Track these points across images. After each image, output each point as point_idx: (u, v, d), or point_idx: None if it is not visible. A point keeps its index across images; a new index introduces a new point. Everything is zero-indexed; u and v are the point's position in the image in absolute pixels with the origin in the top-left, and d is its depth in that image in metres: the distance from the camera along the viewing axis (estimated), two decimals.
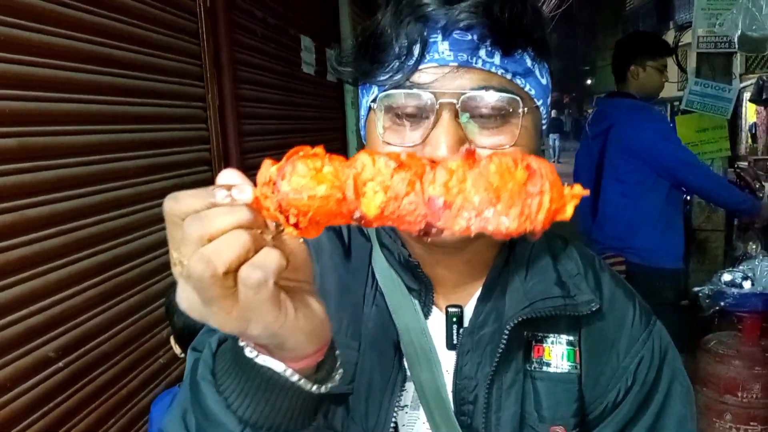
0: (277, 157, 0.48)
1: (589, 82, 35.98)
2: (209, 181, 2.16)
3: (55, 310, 1.65)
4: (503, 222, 0.45)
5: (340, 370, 0.61)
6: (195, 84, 2.56)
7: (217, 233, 0.45)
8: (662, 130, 2.93)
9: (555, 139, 22.23)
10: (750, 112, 13.99)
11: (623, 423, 0.80)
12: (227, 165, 2.75)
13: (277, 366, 0.55)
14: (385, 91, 0.68)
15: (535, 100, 0.71)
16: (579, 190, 0.47)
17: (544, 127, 0.76)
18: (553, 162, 15.86)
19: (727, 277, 2.93)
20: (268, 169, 0.48)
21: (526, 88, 0.69)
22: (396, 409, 0.77)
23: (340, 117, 5.02)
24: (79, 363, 1.75)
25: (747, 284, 2.86)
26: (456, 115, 0.65)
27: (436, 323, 0.82)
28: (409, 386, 0.78)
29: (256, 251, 0.46)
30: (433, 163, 0.48)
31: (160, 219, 2.09)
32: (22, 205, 1.55)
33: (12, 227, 1.51)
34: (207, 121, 2.63)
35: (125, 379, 1.99)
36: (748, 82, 10.78)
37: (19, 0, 1.54)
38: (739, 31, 3.55)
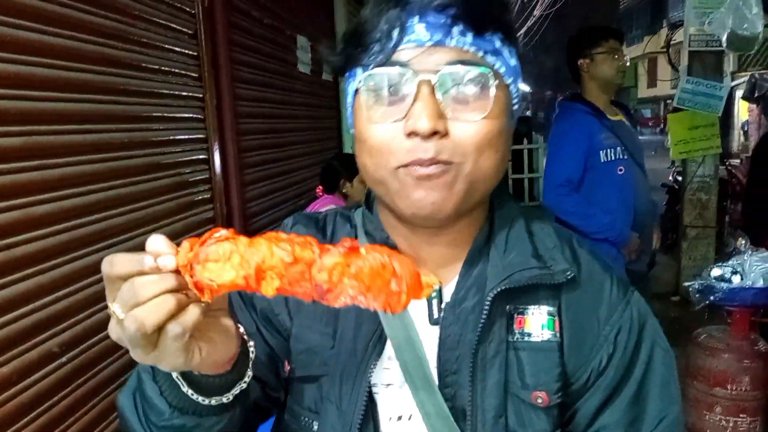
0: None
1: None
2: (207, 180, 2.19)
3: (59, 305, 1.68)
4: (372, 304, 0.58)
5: (250, 366, 0.72)
6: (193, 84, 2.59)
7: (148, 298, 0.54)
8: (557, 137, 2.94)
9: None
10: (743, 110, 14.06)
11: (610, 390, 0.83)
12: (225, 163, 2.80)
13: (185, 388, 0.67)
14: (368, 70, 0.74)
15: (505, 78, 0.77)
16: (433, 279, 0.62)
17: (515, 107, 0.81)
18: None
19: (716, 271, 2.97)
20: (186, 252, 0.56)
21: (496, 66, 0.75)
22: (372, 387, 0.82)
23: (335, 116, 5.06)
24: (83, 358, 1.78)
25: (736, 279, 2.89)
26: (433, 91, 0.72)
27: (417, 302, 0.85)
28: (394, 365, 0.82)
29: (181, 310, 0.55)
30: (323, 249, 0.58)
31: (161, 216, 2.12)
32: (27, 203, 1.58)
33: (18, 225, 1.55)
34: (205, 121, 2.66)
35: (126, 374, 2.01)
36: (742, 80, 10.83)
37: (19, 0, 1.58)
38: (728, 30, 3.60)
